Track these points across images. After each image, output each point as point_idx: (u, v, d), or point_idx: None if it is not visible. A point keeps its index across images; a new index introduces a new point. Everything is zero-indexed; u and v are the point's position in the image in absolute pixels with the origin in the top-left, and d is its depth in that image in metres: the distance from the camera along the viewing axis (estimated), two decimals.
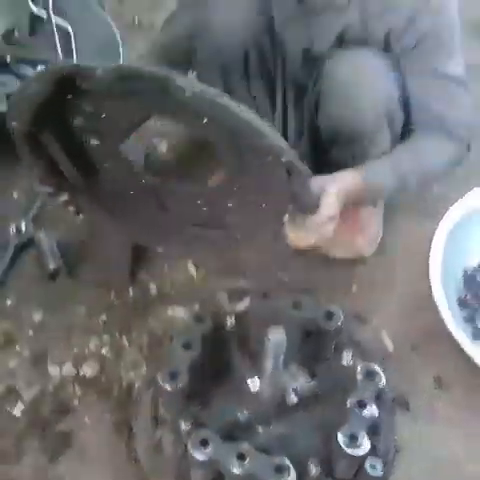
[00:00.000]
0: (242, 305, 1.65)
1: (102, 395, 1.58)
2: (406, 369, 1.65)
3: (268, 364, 1.39)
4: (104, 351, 1.65)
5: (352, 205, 1.60)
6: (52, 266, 1.74)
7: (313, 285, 1.77)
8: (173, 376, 1.43)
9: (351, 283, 1.80)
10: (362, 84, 1.56)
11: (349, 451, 1.36)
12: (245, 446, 1.36)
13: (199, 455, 1.33)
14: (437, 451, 1.53)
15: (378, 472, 1.39)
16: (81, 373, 1.61)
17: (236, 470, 1.32)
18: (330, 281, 1.79)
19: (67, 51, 2.09)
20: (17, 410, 1.55)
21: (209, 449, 1.34)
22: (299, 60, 1.65)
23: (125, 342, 1.67)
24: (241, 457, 1.33)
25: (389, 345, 1.68)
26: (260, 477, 1.33)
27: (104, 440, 1.52)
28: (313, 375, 1.58)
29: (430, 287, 1.65)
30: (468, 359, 1.60)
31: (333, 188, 1.49)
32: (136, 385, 1.59)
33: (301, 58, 1.64)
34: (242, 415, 1.49)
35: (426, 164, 1.66)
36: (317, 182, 1.47)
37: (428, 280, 1.66)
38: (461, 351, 1.60)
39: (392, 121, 1.65)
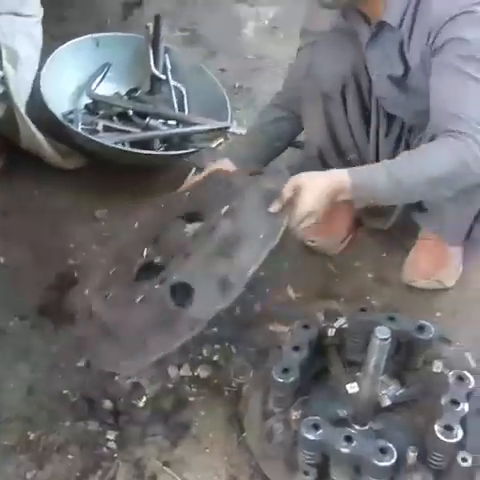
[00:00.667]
0: (338, 323, 1.85)
1: (214, 393, 1.78)
2: None
3: (371, 362, 1.56)
4: (216, 357, 1.85)
5: (344, 203, 1.72)
6: None
7: (399, 311, 1.95)
8: (285, 371, 1.62)
9: (434, 311, 1.97)
10: None
11: (445, 439, 1.52)
12: (351, 431, 1.53)
13: (311, 436, 1.51)
14: None
15: (468, 463, 1.53)
16: (196, 374, 1.81)
17: (344, 450, 1.49)
18: (415, 308, 1.97)
19: (181, 107, 2.39)
20: (141, 402, 1.75)
21: (320, 431, 1.51)
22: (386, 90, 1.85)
23: (233, 350, 1.87)
24: (348, 439, 1.50)
25: (472, 363, 1.84)
26: (366, 457, 1.49)
27: (218, 429, 1.71)
28: (403, 384, 1.75)
29: None
30: None
31: (309, 185, 1.65)
32: (244, 387, 1.78)
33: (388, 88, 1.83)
34: (342, 412, 1.66)
35: (427, 167, 1.67)
36: (296, 180, 1.67)
37: None
38: None
39: None
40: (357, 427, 1.66)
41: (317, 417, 1.54)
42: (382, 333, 1.51)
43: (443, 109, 1.68)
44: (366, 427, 1.66)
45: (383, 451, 1.49)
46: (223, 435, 1.70)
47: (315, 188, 1.65)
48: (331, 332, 1.77)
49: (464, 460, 1.54)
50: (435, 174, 1.67)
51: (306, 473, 1.54)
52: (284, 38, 2.94)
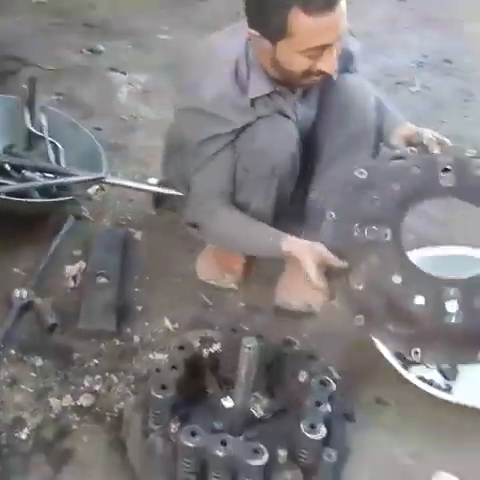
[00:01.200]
0: (214, 348, 1.97)
1: (97, 420, 1.83)
2: (352, 393, 1.96)
3: (242, 371, 1.69)
4: (97, 387, 1.91)
5: None
6: (50, 321, 2.03)
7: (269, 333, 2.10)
8: (163, 388, 1.72)
9: (302, 332, 2.13)
10: None
11: (310, 436, 1.65)
12: (227, 436, 1.64)
13: (189, 443, 1.60)
14: (379, 451, 1.83)
15: (333, 459, 1.67)
16: (78, 403, 1.86)
17: (220, 453, 1.59)
18: (284, 331, 2.12)
19: (58, 161, 2.50)
20: (23, 434, 1.78)
21: (198, 438, 1.61)
22: None
23: (114, 379, 1.94)
24: (224, 443, 1.61)
25: (335, 375, 2.00)
26: (240, 458, 1.59)
27: (101, 453, 1.76)
28: (275, 397, 1.89)
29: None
30: (400, 384, 1.94)
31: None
32: (125, 412, 1.85)
33: None
34: (218, 425, 1.76)
35: None
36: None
37: None
38: (394, 377, 1.96)
39: None
40: (232, 438, 1.77)
41: (195, 425, 1.65)
42: (249, 342, 1.65)
43: None
44: (241, 437, 1.78)
45: (255, 451, 1.60)
46: (106, 458, 1.75)
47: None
48: (205, 353, 1.89)
49: (329, 456, 1.68)
50: None
51: None
52: (156, 101, 3.14)
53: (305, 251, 1.85)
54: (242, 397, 1.74)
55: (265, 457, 1.60)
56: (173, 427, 1.69)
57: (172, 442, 1.68)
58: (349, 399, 1.93)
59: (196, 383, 1.87)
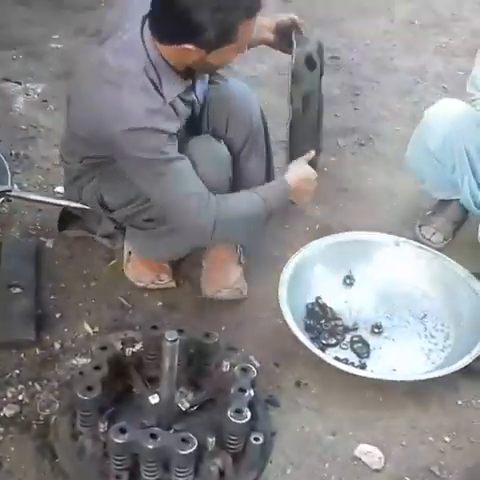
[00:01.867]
0: (136, 348, 2.00)
1: (23, 429, 1.83)
2: (273, 379, 2.04)
3: (166, 365, 1.73)
4: (20, 397, 1.90)
5: None
6: None
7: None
8: (88, 389, 1.73)
9: (220, 325, 2.19)
10: None
11: (237, 421, 1.71)
12: (156, 429, 1.67)
13: (119, 440, 1.62)
14: (302, 430, 1.92)
15: (260, 442, 1.74)
16: (2, 414, 1.84)
17: (150, 446, 1.62)
18: (203, 324, 2.16)
19: None
20: None
21: (127, 434, 1.63)
22: None
23: (38, 388, 1.93)
24: (154, 436, 1.64)
25: (256, 363, 2.07)
26: (170, 449, 1.63)
27: (30, 461, 1.76)
28: (200, 390, 1.93)
29: (284, 321, 2.10)
30: (317, 366, 2.04)
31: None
32: (52, 418, 1.84)
33: None
34: (148, 421, 1.79)
35: None
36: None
37: (280, 317, 2.12)
38: (312, 361, 2.05)
39: None
40: (162, 430, 1.80)
41: (123, 423, 1.67)
42: (170, 335, 1.69)
43: None
44: (170, 431, 1.81)
45: (184, 440, 1.65)
46: (35, 465, 1.75)
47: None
48: (128, 352, 1.92)
49: (256, 439, 1.75)
50: None
51: (118, 477, 1.64)
52: (54, 109, 3.11)
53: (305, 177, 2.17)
54: (167, 391, 1.77)
55: (194, 445, 1.64)
56: (102, 427, 1.70)
57: (102, 442, 1.70)
58: (271, 384, 2.01)
59: (122, 382, 1.88)
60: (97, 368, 1.79)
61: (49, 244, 2.40)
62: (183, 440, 1.64)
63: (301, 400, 2.00)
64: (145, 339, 1.94)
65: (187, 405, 1.85)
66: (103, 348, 1.86)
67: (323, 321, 2.23)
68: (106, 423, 1.71)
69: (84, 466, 1.70)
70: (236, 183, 2.16)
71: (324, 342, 2.18)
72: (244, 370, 1.85)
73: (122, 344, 2.01)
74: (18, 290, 2.17)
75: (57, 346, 2.06)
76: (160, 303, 2.24)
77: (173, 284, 2.30)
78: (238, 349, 2.10)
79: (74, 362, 2.01)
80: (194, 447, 1.64)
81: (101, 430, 1.70)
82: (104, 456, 1.68)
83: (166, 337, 1.68)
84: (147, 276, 2.28)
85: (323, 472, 1.83)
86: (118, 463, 1.65)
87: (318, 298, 2.28)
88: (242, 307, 2.26)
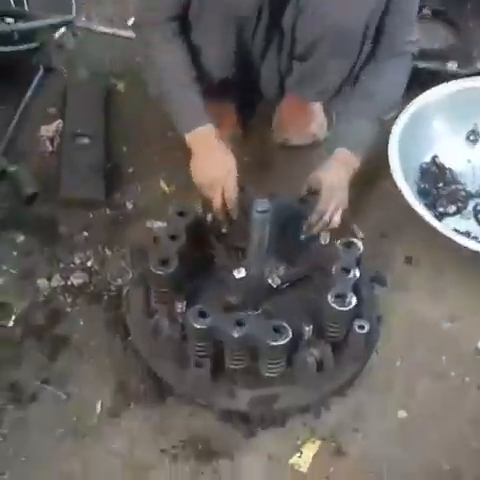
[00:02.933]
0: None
1: (93, 300, 1.60)
2: (379, 253, 1.72)
3: (255, 238, 1.43)
4: (89, 263, 1.66)
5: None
6: (29, 191, 1.75)
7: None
8: (164, 262, 1.47)
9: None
10: None
11: (339, 308, 1.42)
12: (242, 315, 1.41)
13: (199, 325, 1.37)
14: (414, 315, 1.62)
15: (365, 330, 1.46)
16: (69, 283, 1.62)
17: (236, 334, 1.37)
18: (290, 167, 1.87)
19: (19, 2, 2.11)
20: (11, 322, 1.55)
21: (208, 319, 1.38)
22: None
23: (108, 253, 1.69)
24: (240, 323, 1.38)
25: (360, 233, 1.76)
26: (260, 338, 1.38)
27: (100, 337, 1.54)
28: (292, 264, 1.64)
29: (391, 183, 1.74)
30: (432, 238, 1.69)
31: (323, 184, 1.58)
32: (124, 289, 1.61)
33: None
34: (232, 299, 1.53)
35: (393, 93, 1.71)
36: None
37: (388, 178, 1.75)
38: (426, 233, 1.70)
39: (364, 39, 1.63)
40: (249, 312, 1.55)
41: (203, 305, 1.42)
42: (261, 205, 1.38)
43: (400, 35, 1.68)
44: (258, 311, 1.55)
45: (277, 330, 1.38)
46: (106, 341, 1.53)
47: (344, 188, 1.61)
48: (209, 218, 1.63)
49: (361, 327, 1.47)
50: (399, 95, 1.72)
51: (199, 365, 1.41)
52: None
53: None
54: (256, 265, 1.49)
55: (287, 336, 1.38)
56: (179, 307, 1.45)
57: (179, 323, 1.46)
58: (377, 261, 1.71)
59: (202, 252, 1.62)
60: (173, 237, 1.52)
61: (120, 87, 2.07)
62: (275, 330, 1.38)
63: (412, 279, 1.69)
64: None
65: (278, 281, 1.57)
66: (181, 214, 1.58)
67: (441, 185, 1.87)
68: (184, 302, 1.45)
69: (160, 348, 1.46)
70: None
71: (441, 210, 1.82)
72: (348, 245, 1.54)
73: (202, 207, 1.73)
74: (86, 140, 1.88)
75: (129, 206, 1.79)
76: (246, 159, 1.90)
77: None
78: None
79: (148, 225, 1.74)
80: (287, 338, 1.37)
81: (179, 310, 1.46)
82: (182, 339, 1.44)
83: (256, 208, 1.37)
84: None
85: (439, 366, 1.54)
86: (199, 349, 1.42)
87: (435, 157, 1.90)
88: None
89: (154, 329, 1.48)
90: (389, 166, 1.75)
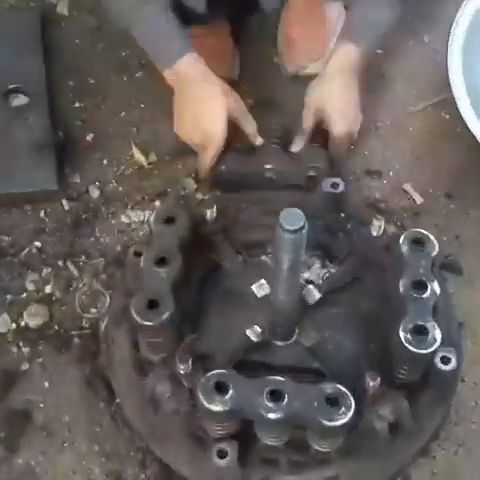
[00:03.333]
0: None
1: (59, 346, 1.13)
2: (446, 223, 1.25)
3: (284, 264, 0.95)
4: (48, 289, 1.18)
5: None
6: None
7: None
8: (152, 305, 0.99)
9: None
10: None
11: (416, 350, 0.96)
12: (276, 379, 0.95)
13: (216, 406, 0.92)
14: None
15: (452, 364, 1.01)
16: (23, 324, 1.14)
17: (272, 415, 0.92)
18: None
19: None
20: None
21: (229, 396, 0.92)
22: None
23: (73, 270, 1.21)
24: (276, 395, 0.92)
25: (418, 198, 1.27)
26: (308, 416, 0.93)
27: (74, 405, 1.08)
28: (329, 259, 1.18)
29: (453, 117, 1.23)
30: None
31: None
32: (102, 323, 1.15)
33: None
34: (253, 332, 1.07)
35: None
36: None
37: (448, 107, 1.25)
38: None
39: None
40: (280, 343, 1.10)
41: (220, 371, 0.95)
42: (291, 221, 0.88)
43: None
44: (291, 340, 1.10)
45: (334, 402, 0.93)
46: (84, 411, 1.08)
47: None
48: (211, 214, 1.14)
49: (446, 361, 1.01)
50: None
51: (222, 455, 0.97)
52: None
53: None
54: (287, 290, 1.02)
55: (350, 409, 0.93)
56: (182, 368, 1.00)
57: (186, 388, 1.01)
58: (445, 238, 1.23)
59: (206, 264, 1.14)
60: (162, 262, 1.03)
61: (62, 8, 1.50)
62: (330, 401, 0.93)
63: None
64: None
65: (317, 296, 1.11)
66: (168, 220, 1.08)
67: None
68: (190, 361, 1.00)
69: (163, 425, 1.01)
70: None
71: None
72: (418, 241, 1.06)
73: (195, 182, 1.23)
74: (22, 99, 1.35)
75: (95, 193, 1.28)
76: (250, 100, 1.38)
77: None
78: (383, 174, 1.30)
79: (124, 220, 1.26)
80: (350, 414, 0.93)
81: (182, 372, 1.01)
82: (192, 410, 1.00)
83: (283, 225, 0.88)
84: None
85: None
86: (219, 429, 0.98)
87: None
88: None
89: (151, 397, 1.03)
90: (448, 88, 1.25)
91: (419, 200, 1.26)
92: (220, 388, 0.92)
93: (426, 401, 1.03)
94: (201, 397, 0.92)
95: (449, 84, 1.27)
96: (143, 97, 1.38)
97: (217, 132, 1.19)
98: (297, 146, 1.27)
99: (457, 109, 1.25)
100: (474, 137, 1.23)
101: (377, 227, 1.10)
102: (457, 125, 1.31)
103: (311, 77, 1.32)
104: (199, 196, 1.28)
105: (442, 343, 1.00)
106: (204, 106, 1.20)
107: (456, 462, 1.04)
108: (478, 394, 1.09)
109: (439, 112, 1.37)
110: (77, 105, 1.38)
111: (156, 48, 1.22)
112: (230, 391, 0.92)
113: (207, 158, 1.22)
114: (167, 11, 1.20)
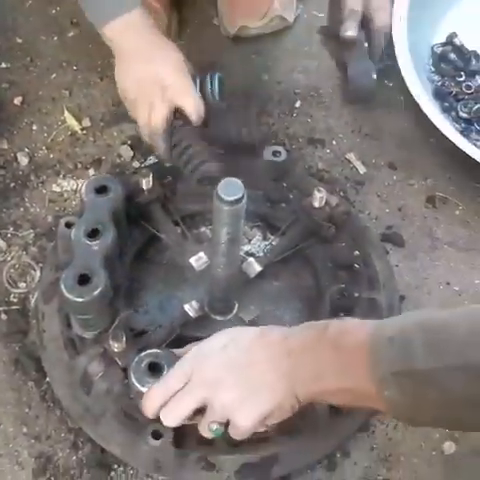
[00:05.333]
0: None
1: None
2: (389, 195, 1.21)
3: (222, 236, 0.90)
4: None
5: None
6: None
7: None
8: (83, 280, 0.93)
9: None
10: None
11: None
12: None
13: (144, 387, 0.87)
14: (448, 285, 1.14)
15: None
16: None
17: None
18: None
19: None
20: None
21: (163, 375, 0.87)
22: None
23: (1, 243, 1.13)
24: None
25: (361, 168, 1.23)
26: None
27: (1, 386, 1.01)
28: (272, 232, 1.13)
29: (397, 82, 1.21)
30: (463, 166, 1.19)
31: None
32: (32, 298, 1.08)
33: None
34: (191, 307, 1.02)
35: None
36: None
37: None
38: (452, 157, 1.19)
39: None
40: (219, 318, 1.05)
41: (154, 351, 0.90)
42: (230, 192, 0.83)
43: None
44: (231, 315, 1.05)
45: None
46: (12, 391, 1.01)
47: None
48: (147, 183, 1.08)
49: None
50: None
51: (157, 436, 0.92)
52: None
53: None
54: (227, 264, 0.97)
55: None
56: (116, 346, 0.94)
57: (119, 368, 0.95)
58: (387, 209, 1.20)
59: (141, 236, 1.08)
60: (93, 234, 0.96)
61: None
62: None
63: (439, 232, 1.19)
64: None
65: (258, 269, 1.07)
66: (100, 190, 1.01)
67: (462, 78, 1.32)
68: (123, 339, 0.94)
69: (96, 406, 0.95)
70: None
71: (464, 114, 1.29)
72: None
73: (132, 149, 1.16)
74: None
75: (23, 161, 1.19)
76: None
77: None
78: (326, 142, 1.26)
79: (55, 188, 1.18)
80: None
81: (115, 349, 0.95)
82: (125, 389, 0.95)
83: (221, 196, 0.82)
84: None
85: None
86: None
87: (452, 36, 1.34)
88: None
89: (83, 378, 0.97)
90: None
91: (362, 170, 1.22)
92: (154, 369, 0.87)
93: None
94: (134, 380, 0.87)
95: (393, 52, 1.24)
96: (75, 58, 1.29)
97: (185, 85, 1.06)
98: (353, 31, 1.18)
99: (400, 77, 1.22)
100: (417, 106, 1.20)
101: (319, 198, 1.06)
102: (401, 93, 1.28)
103: (254, 38, 1.26)
104: (135, 164, 1.22)
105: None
106: (164, 57, 1.07)
107: (395, 436, 1.02)
108: None
109: (382, 80, 1.33)
110: (4, 66, 1.28)
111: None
112: (164, 372, 0.87)
113: (162, 112, 1.06)
114: None
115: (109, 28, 1.07)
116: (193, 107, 1.06)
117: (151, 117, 1.07)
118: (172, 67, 1.07)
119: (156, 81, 1.06)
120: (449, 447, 1.01)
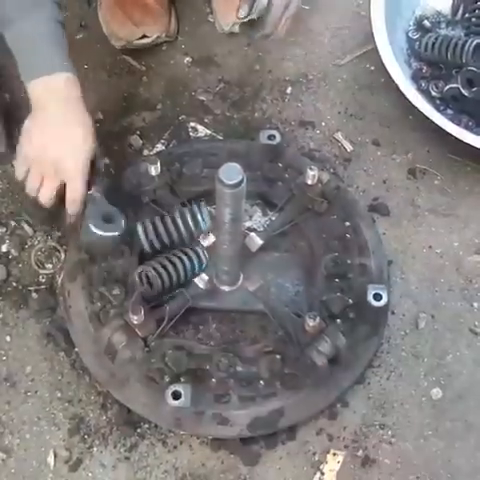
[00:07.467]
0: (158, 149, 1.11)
1: (18, 302, 1.04)
2: (374, 169, 1.18)
3: (225, 217, 0.87)
4: (4, 248, 1.08)
5: None
6: None
7: None
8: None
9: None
10: None
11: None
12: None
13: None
14: (430, 248, 1.11)
15: (384, 300, 0.97)
16: None
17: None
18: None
19: None
20: None
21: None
22: None
23: (27, 229, 1.10)
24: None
25: (348, 146, 1.20)
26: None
27: (35, 356, 1.01)
28: (271, 208, 1.11)
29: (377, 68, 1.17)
30: (439, 140, 1.15)
31: None
32: (58, 277, 1.06)
33: None
34: (201, 280, 1.00)
35: None
36: None
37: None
38: (429, 132, 1.16)
39: None
40: (226, 289, 1.03)
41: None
42: (230, 176, 0.80)
43: None
44: (237, 285, 1.03)
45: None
46: (47, 363, 1.00)
47: None
48: (156, 170, 1.04)
49: (377, 298, 0.97)
50: None
51: (176, 397, 0.91)
52: None
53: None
54: (231, 242, 0.94)
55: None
56: (135, 319, 0.92)
57: (140, 338, 0.94)
58: (372, 181, 1.16)
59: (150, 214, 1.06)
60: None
61: None
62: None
63: (421, 200, 1.16)
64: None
65: (259, 243, 1.04)
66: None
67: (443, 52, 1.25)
68: (141, 311, 0.92)
69: (120, 372, 0.95)
70: None
71: (436, 94, 1.24)
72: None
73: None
74: None
75: None
76: (188, 59, 1.28)
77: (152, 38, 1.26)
78: (316, 124, 1.22)
79: None
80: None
81: (135, 321, 0.93)
82: (149, 357, 0.94)
83: (222, 179, 0.80)
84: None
85: (478, 318, 1.07)
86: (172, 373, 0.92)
87: (421, 19, 1.29)
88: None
89: (107, 347, 0.95)
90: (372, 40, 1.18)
91: (349, 148, 1.19)
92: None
93: (361, 335, 0.99)
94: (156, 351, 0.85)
95: (373, 36, 1.19)
96: (85, 58, 1.24)
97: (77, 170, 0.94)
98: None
99: (381, 61, 1.18)
100: (397, 87, 1.16)
101: (311, 176, 1.03)
102: (381, 76, 1.24)
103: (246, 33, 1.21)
104: (145, 152, 1.18)
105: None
106: (69, 136, 0.95)
107: (388, 386, 1.01)
108: (407, 324, 1.05)
109: (364, 64, 1.28)
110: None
111: (35, 52, 0.96)
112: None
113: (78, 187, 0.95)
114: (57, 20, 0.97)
115: (32, 85, 0.97)
116: (74, 197, 0.96)
117: (40, 190, 0.97)
118: (72, 149, 0.95)
119: (53, 159, 0.95)
120: (436, 393, 1.01)
